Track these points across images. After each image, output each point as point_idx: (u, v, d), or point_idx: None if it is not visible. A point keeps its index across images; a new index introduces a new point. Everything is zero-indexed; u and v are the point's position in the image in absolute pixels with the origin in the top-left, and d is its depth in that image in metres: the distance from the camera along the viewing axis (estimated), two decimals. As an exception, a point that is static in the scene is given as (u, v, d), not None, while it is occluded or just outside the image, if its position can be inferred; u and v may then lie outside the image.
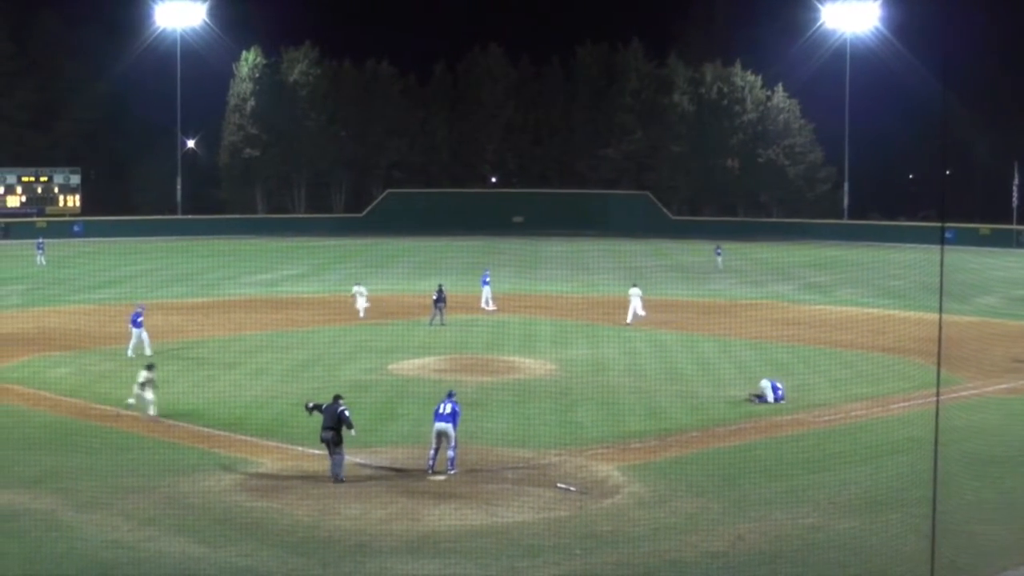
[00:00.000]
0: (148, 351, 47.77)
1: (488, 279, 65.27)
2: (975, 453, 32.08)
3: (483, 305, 63.98)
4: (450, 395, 31.94)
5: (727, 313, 63.04)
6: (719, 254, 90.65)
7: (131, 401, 36.94)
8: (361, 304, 60.67)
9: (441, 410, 31.14)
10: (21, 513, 27.20)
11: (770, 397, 39.98)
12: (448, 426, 30.93)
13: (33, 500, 28.32)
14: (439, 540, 23.98)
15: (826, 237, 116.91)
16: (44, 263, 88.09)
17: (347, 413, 30.82)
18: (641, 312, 60.34)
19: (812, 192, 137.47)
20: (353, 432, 30.83)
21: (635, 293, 60.75)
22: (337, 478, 30.00)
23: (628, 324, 58.71)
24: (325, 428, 30.63)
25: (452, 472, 30.55)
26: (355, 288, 62.04)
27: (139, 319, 48.94)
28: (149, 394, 36.50)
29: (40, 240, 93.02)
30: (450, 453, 30.88)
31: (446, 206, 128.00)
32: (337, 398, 31.45)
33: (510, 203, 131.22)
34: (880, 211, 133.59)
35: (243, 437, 34.73)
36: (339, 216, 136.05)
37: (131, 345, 48.49)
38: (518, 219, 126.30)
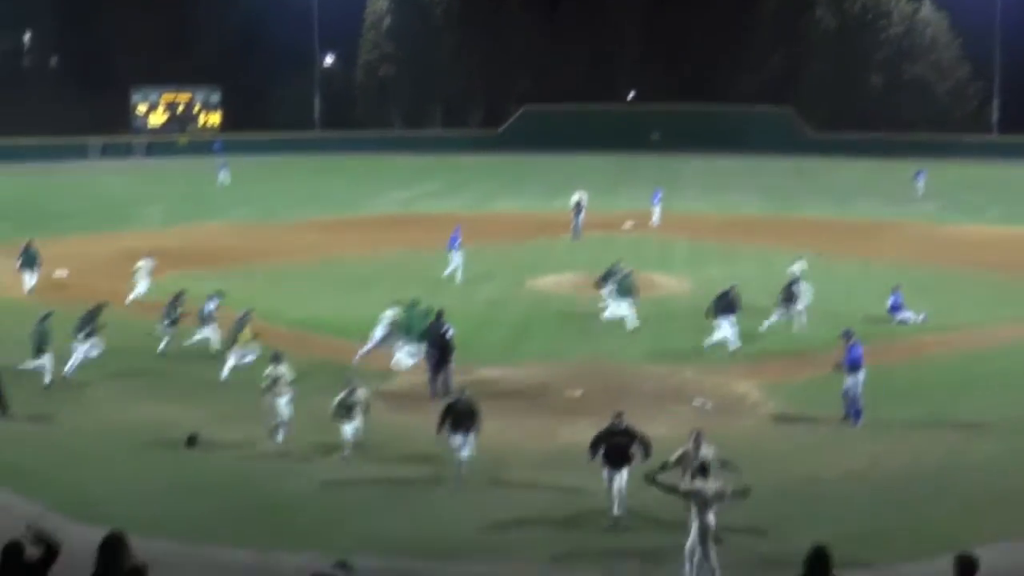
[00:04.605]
0: (460, 278, 46.65)
1: (659, 197, 64.64)
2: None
3: (653, 222, 63.59)
4: None
5: (870, 233, 62.02)
6: (920, 178, 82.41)
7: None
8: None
9: None
10: (169, 425, 27.86)
11: (908, 316, 39.49)
12: None
13: (180, 413, 28.98)
14: (576, 455, 23.99)
15: (975, 155, 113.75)
16: (228, 181, 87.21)
17: (451, 335, 31.02)
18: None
19: (960, 109, 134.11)
20: (453, 360, 31.01)
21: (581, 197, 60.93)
22: (448, 390, 30.13)
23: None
24: (432, 346, 30.80)
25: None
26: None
27: (457, 241, 47.56)
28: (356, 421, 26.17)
29: (223, 160, 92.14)
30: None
31: (582, 123, 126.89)
32: (440, 315, 31.62)
33: (647, 120, 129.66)
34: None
35: (381, 352, 35.09)
36: (475, 133, 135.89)
37: (453, 268, 47.14)
38: (655, 136, 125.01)
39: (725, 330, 35.31)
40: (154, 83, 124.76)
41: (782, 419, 28.99)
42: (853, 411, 28.52)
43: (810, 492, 23.72)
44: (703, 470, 19.53)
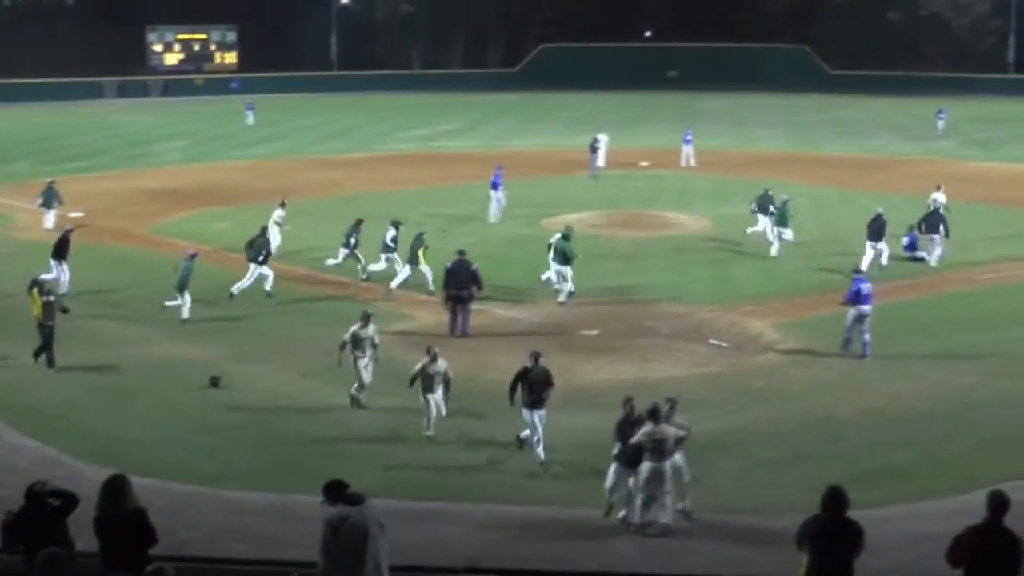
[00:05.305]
0: (495, 218, 46.19)
1: (690, 137, 64.27)
2: None
3: (683, 163, 63.15)
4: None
5: (887, 169, 61.82)
6: (941, 117, 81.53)
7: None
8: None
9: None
10: (189, 363, 28.02)
11: (923, 254, 39.43)
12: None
13: (198, 352, 29.14)
14: (594, 393, 24.14)
15: (992, 92, 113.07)
16: (254, 121, 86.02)
17: (480, 272, 31.24)
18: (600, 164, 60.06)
19: (978, 45, 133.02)
20: (472, 301, 31.15)
21: (604, 140, 61.02)
22: (465, 332, 30.26)
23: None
24: (459, 285, 30.79)
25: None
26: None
27: (499, 181, 47.05)
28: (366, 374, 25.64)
29: (250, 101, 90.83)
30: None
31: (600, 61, 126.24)
32: (462, 253, 31.77)
33: (665, 57, 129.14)
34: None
35: (399, 291, 35.18)
36: (493, 71, 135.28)
37: (491, 210, 46.68)
38: (673, 74, 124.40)
39: (872, 253, 37.22)
40: (169, 22, 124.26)
41: (799, 357, 29.02)
42: (844, 341, 28.74)
43: (827, 430, 23.79)
44: (653, 415, 19.21)
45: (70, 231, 36.39)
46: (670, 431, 19.08)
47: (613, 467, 19.58)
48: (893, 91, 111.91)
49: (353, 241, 36.68)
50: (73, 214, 46.50)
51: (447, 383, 23.50)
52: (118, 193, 53.38)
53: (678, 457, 19.23)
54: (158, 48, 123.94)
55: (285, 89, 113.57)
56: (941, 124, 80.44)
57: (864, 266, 35.90)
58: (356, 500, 12.59)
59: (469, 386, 25.36)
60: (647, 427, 19.01)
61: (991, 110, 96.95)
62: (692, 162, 62.71)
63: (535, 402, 22.01)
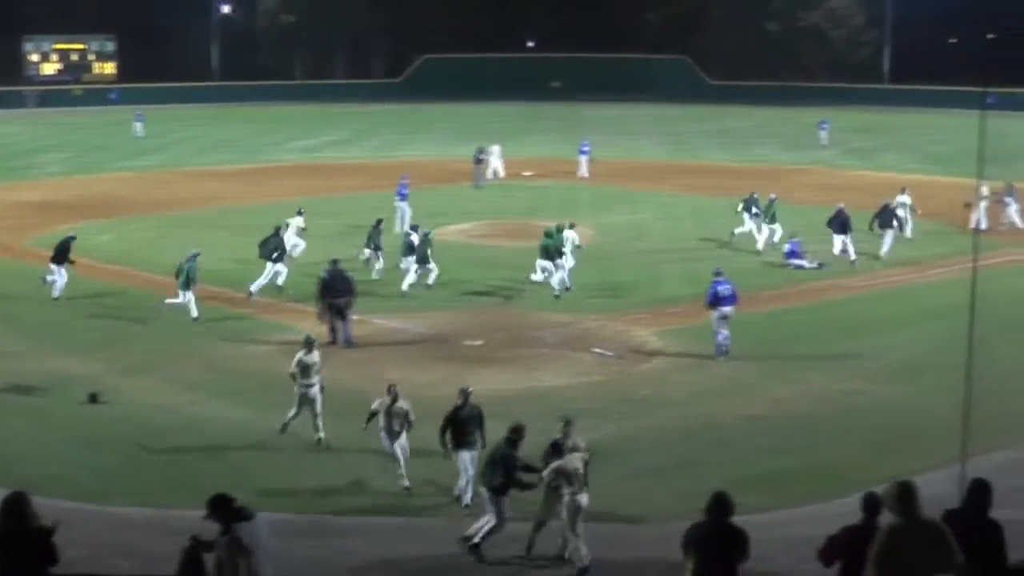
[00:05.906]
0: (405, 226, 44.02)
1: (587, 148, 64.51)
2: (1013, 319, 31.93)
3: (580, 173, 63.40)
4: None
5: (768, 178, 62.47)
6: (824, 128, 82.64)
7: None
8: None
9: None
10: (71, 379, 27.58)
11: (804, 263, 40.09)
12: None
13: (81, 366, 28.73)
14: (482, 404, 24.15)
15: (868, 102, 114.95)
16: (143, 132, 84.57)
17: (355, 280, 31.47)
18: (501, 174, 62.04)
19: (854, 56, 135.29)
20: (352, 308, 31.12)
21: (495, 151, 62.78)
22: (349, 343, 30.16)
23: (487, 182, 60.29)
24: (336, 294, 30.69)
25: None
26: None
27: (405, 191, 47.05)
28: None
29: (139, 111, 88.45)
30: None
31: (483, 71, 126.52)
32: (336, 262, 31.80)
33: (548, 68, 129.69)
34: (924, 75, 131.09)
35: (284, 303, 35.00)
36: (377, 82, 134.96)
37: (397, 219, 46.06)
38: (556, 84, 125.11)
39: (839, 246, 40.61)
40: (47, 31, 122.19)
41: (682, 365, 29.32)
42: (716, 346, 29.34)
43: (711, 436, 24.05)
44: (556, 449, 18.30)
45: (72, 239, 36.22)
46: (577, 461, 17.95)
47: (488, 496, 18.31)
48: (774, 101, 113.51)
49: (376, 243, 37.75)
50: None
51: (410, 424, 21.63)
52: (-3, 205, 52.50)
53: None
54: (35, 58, 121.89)
55: (165, 100, 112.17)
56: (824, 135, 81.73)
57: (837, 250, 40.43)
58: (248, 515, 12.44)
59: (357, 398, 25.24)
60: (554, 463, 17.97)
61: (867, 119, 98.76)
62: (586, 173, 63.00)
63: (466, 443, 20.53)
